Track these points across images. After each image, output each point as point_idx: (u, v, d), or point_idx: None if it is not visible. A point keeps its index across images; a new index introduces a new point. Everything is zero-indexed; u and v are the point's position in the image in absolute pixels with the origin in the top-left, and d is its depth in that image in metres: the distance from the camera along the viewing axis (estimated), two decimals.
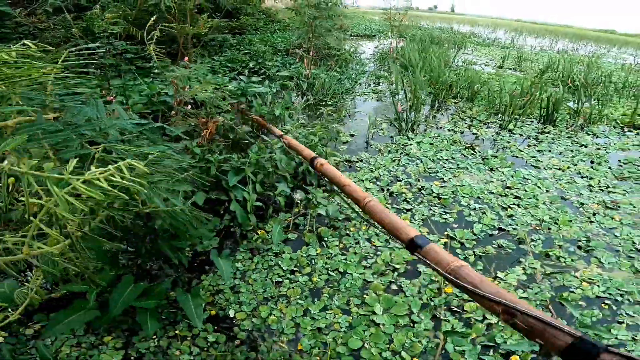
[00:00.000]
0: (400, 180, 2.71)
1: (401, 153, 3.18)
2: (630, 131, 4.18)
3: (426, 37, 9.79)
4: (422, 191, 2.60)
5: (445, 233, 2.15)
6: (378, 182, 2.67)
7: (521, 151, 3.41)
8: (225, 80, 3.68)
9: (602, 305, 1.71)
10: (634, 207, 2.54)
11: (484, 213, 2.35)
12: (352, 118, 4.08)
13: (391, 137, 3.57)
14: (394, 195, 2.52)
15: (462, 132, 3.81)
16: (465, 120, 4.22)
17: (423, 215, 2.30)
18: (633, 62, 10.40)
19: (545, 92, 4.61)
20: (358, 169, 2.88)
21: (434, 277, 1.80)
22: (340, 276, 1.79)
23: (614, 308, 1.68)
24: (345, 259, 1.89)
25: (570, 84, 5.94)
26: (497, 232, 2.20)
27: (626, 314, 1.65)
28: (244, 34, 7.61)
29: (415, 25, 14.14)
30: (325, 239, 2.05)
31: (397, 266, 1.85)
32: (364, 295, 1.67)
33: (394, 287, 1.74)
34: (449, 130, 3.82)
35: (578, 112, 4.38)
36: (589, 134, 3.98)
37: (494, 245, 2.07)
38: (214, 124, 2.31)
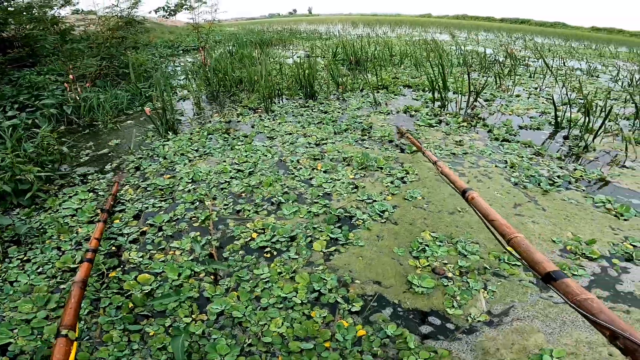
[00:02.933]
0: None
1: (151, 155, 3.20)
2: (375, 92, 5.09)
3: (242, 42, 10.25)
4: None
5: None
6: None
7: (267, 127, 3.80)
8: None
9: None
10: (339, 152, 3.07)
11: (195, 190, 2.53)
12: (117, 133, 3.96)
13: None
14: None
15: (229, 122, 4.05)
16: (238, 109, 4.51)
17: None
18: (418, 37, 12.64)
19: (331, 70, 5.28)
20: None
21: None
22: None
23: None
24: None
25: (352, 61, 6.88)
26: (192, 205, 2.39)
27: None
28: (36, 64, 6.68)
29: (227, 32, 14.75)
30: None
31: None
32: None
33: None
34: (218, 122, 4.01)
35: (338, 83, 5.10)
36: (339, 100, 4.73)
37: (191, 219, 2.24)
38: None
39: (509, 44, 12.14)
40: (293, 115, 4.19)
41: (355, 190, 2.52)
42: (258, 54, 7.70)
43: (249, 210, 2.30)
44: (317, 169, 2.82)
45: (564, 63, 8.13)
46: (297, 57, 8.37)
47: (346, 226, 2.12)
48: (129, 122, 4.22)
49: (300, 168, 2.84)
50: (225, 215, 2.27)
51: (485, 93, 5.13)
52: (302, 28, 20.40)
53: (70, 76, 4.43)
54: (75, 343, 1.21)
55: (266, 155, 3.07)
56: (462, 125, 3.81)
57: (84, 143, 3.55)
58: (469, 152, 3.13)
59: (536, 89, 5.55)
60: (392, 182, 2.62)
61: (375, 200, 2.39)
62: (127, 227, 2.16)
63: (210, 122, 4.07)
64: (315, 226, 2.12)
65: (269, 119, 4.09)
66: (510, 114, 4.28)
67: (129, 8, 6.70)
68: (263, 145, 3.29)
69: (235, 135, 3.57)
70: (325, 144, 3.34)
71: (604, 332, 0.88)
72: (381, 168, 2.84)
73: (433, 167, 2.80)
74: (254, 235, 2.05)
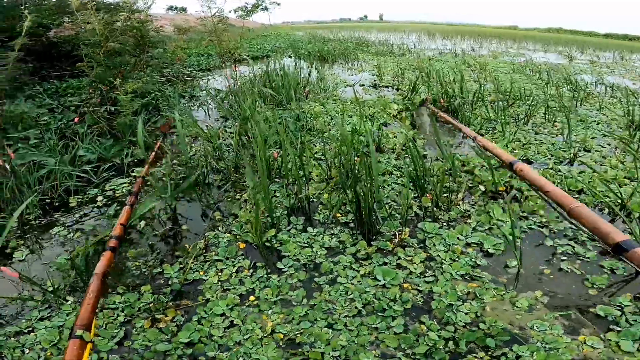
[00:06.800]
0: None
1: None
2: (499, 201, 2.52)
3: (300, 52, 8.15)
4: None
5: None
6: None
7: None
8: None
9: None
10: None
11: None
12: None
13: None
14: None
15: (188, 282, 1.86)
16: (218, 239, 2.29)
17: None
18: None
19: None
20: None
21: None
22: None
23: None
24: None
25: (442, 106, 4.38)
26: None
27: None
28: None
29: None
30: None
31: None
32: None
33: None
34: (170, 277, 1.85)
35: (423, 190, 2.64)
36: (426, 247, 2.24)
37: None
38: None
39: None
40: (314, 289, 1.83)
41: None
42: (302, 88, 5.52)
43: None
44: None
45: None
46: (359, 85, 6.05)
47: None
48: None
49: None
50: None
51: None
52: (372, 36, 18.13)
53: None
54: (89, 345, 1.17)
55: None
56: None
57: None
58: None
59: None
60: None
61: None
62: None
63: (154, 269, 1.94)
64: None
65: (261, 282, 1.85)
66: None
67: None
68: None
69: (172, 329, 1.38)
70: None
71: None
72: None
73: None
74: None
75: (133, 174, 2.93)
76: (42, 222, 2.37)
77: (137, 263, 2.01)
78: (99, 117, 3.79)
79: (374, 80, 6.41)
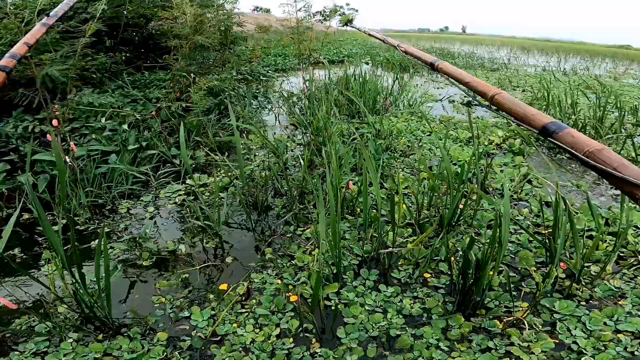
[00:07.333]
0: None
1: None
2: None
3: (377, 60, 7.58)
4: None
5: None
6: None
7: None
8: None
9: None
10: None
11: None
12: None
13: None
14: None
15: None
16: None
17: None
18: None
19: None
20: None
21: None
22: None
23: None
24: None
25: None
26: None
27: None
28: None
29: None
30: None
31: None
32: None
33: None
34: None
35: None
36: None
37: None
38: None
39: None
40: None
41: None
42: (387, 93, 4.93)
43: None
44: None
45: None
46: (448, 101, 5.28)
47: None
48: None
49: None
50: None
51: None
52: (456, 48, 16.84)
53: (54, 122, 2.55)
54: None
55: None
56: None
57: None
58: None
59: None
60: None
61: None
62: None
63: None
64: None
65: (312, 356, 1.36)
66: None
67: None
68: None
69: None
70: None
71: (630, 190, 0.62)
72: None
73: None
74: None
75: (189, 181, 2.64)
76: (89, 228, 2.16)
77: (163, 299, 1.65)
78: (172, 113, 3.66)
79: (465, 97, 5.58)
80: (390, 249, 1.86)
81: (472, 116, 4.38)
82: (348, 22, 3.60)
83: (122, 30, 5.33)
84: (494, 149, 3.32)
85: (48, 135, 2.39)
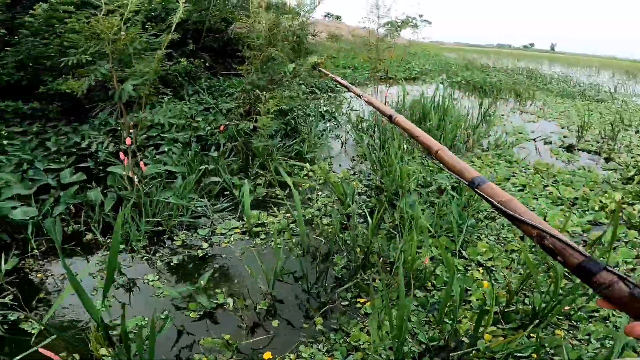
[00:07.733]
0: None
1: None
2: None
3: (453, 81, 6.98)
4: None
5: None
6: None
7: None
8: None
9: None
10: None
11: None
12: None
13: None
14: None
15: None
16: None
17: None
18: None
19: None
20: None
21: None
22: None
23: None
24: None
25: None
26: None
27: None
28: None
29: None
30: None
31: None
32: None
33: None
34: None
35: None
36: None
37: None
38: None
39: None
40: None
41: None
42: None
43: None
44: None
45: None
46: (543, 142, 4.56)
47: None
48: None
49: None
50: None
51: None
52: (545, 70, 15.14)
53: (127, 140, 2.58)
54: None
55: None
56: None
57: None
58: None
59: None
60: None
61: None
62: None
63: None
64: None
65: None
66: None
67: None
68: None
69: None
70: None
71: (531, 232, 0.81)
72: None
73: None
74: None
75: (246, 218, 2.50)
76: (143, 257, 2.10)
77: (205, 359, 1.48)
78: (239, 131, 3.61)
79: (565, 137, 4.78)
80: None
81: (576, 165, 3.69)
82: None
83: (204, 35, 5.53)
84: (605, 216, 2.70)
85: (121, 153, 2.41)
